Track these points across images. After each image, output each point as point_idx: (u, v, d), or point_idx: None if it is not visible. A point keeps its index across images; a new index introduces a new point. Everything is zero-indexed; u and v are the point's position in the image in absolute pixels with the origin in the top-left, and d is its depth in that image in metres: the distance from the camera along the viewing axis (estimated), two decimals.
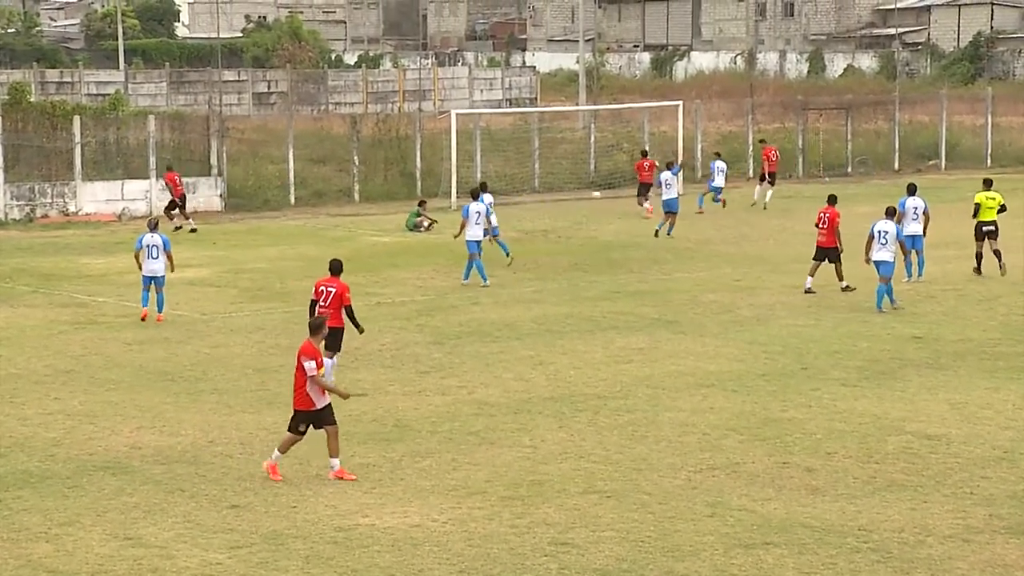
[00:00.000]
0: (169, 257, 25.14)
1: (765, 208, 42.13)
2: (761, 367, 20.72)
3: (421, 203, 39.09)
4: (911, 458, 15.96)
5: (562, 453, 16.35)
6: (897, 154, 53.75)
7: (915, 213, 27.17)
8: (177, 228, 37.10)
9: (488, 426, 17.59)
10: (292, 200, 44.09)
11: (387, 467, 15.85)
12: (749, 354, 21.60)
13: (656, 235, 35.48)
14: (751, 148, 51.15)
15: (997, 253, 28.10)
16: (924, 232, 27.52)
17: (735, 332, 23.35)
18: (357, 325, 19.53)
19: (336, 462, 15.40)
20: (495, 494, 14.78)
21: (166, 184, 39.15)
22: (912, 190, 27.84)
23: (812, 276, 26.79)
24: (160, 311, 24.96)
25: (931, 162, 54.14)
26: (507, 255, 30.37)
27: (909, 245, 26.97)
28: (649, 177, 41.11)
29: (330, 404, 15.39)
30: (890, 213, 25.63)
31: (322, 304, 19.22)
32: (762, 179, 43.91)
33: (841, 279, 26.61)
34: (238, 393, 19.52)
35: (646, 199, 40.86)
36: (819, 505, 14.33)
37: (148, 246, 25.07)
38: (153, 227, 25.54)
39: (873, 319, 24.26)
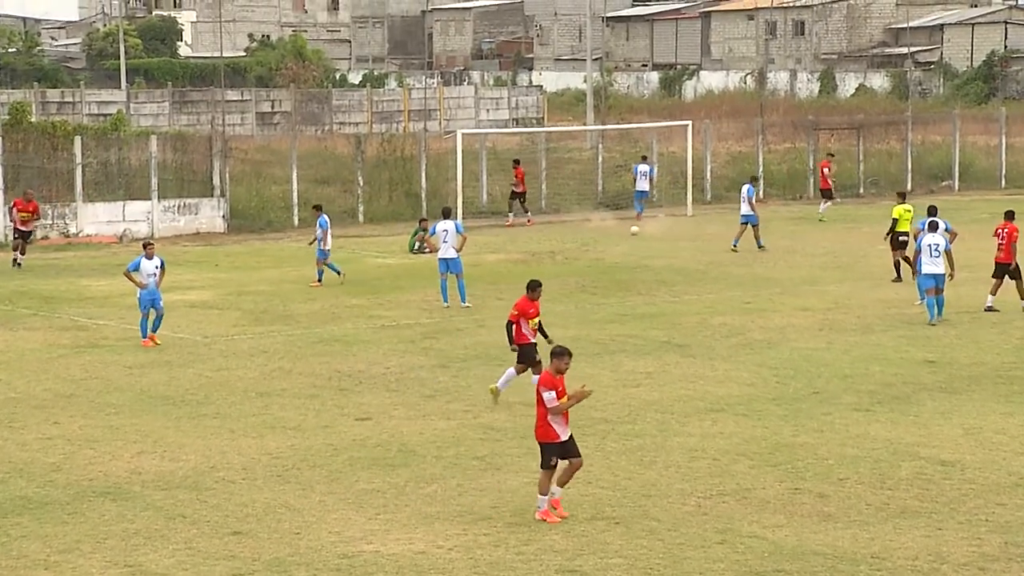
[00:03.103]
0: (127, 275, 25.48)
1: (821, 220, 43.18)
2: (772, 391, 20.69)
3: (422, 221, 39.20)
4: (925, 484, 15.91)
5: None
6: (910, 175, 53.74)
7: (935, 251, 25.93)
8: (16, 264, 35.50)
9: (494, 451, 17.56)
10: (296, 221, 44.11)
11: (392, 493, 15.82)
12: (760, 378, 21.57)
13: (739, 247, 36.50)
14: (761, 168, 51.22)
15: (907, 260, 29.86)
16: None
17: (745, 355, 23.32)
18: (546, 335, 20.06)
19: (559, 490, 14.95)
20: (501, 520, 14.75)
21: (30, 213, 36.43)
22: (932, 212, 27.76)
23: (994, 294, 26.89)
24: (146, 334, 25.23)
25: (944, 183, 54.14)
26: (339, 274, 32.00)
27: (931, 284, 25.96)
28: (523, 186, 44.91)
29: (572, 436, 15.08)
30: (934, 227, 26.31)
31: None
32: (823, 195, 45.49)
33: (1023, 297, 26.66)
34: (240, 418, 19.51)
35: (513, 210, 44.46)
36: (831, 532, 14.28)
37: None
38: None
39: (885, 343, 24.22)
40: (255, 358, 23.66)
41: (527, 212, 44.63)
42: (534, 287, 20.34)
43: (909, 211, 30.96)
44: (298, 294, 30.58)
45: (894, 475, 16.25)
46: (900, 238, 30.74)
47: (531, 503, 15.33)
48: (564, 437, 14.98)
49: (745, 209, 36.99)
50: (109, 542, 14.26)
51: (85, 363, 23.39)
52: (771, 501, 15.34)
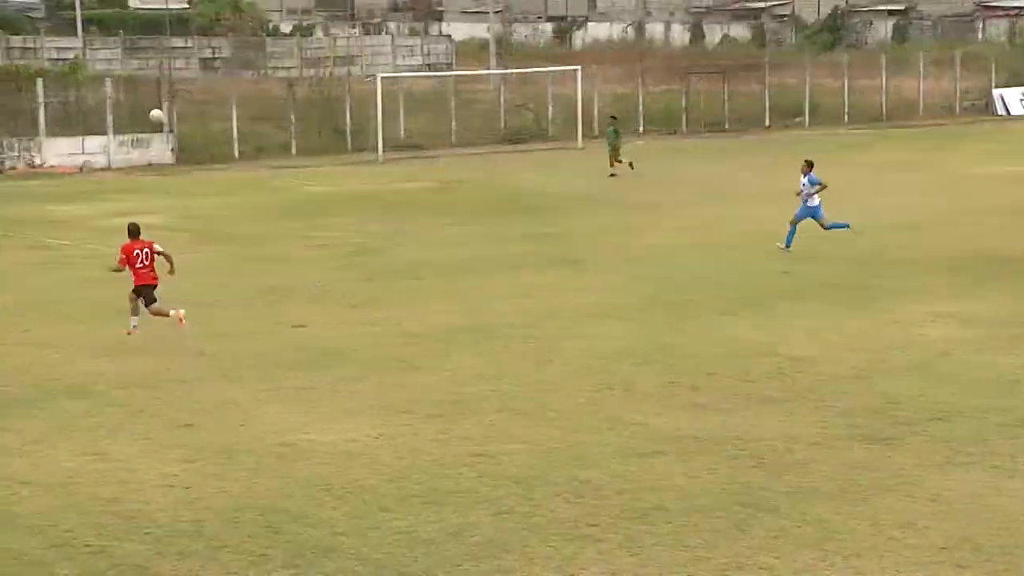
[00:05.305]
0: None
1: None
2: (651, 299, 20.80)
3: (612, 118, 39.56)
4: (781, 377, 16.10)
5: (478, 376, 16.32)
6: (767, 113, 54.11)
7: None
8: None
9: (412, 353, 17.51)
10: (236, 154, 43.57)
11: (324, 389, 15.75)
12: (642, 288, 21.67)
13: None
14: (641, 107, 51.29)
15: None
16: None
17: (629, 269, 23.41)
18: None
19: None
20: (420, 413, 14.74)
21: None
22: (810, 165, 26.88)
23: None
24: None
25: (797, 119, 54.59)
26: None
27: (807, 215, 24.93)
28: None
29: None
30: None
31: None
32: None
33: None
34: (190, 326, 19.23)
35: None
36: (702, 418, 14.44)
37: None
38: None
39: (746, 257, 24.41)
40: (202, 274, 23.33)
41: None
42: None
43: None
44: (240, 218, 30.19)
45: (755, 370, 16.43)
46: None
47: (446, 397, 15.30)
48: None
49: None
50: (76, 434, 14.06)
51: (50, 279, 22.95)
52: (651, 393, 15.46)
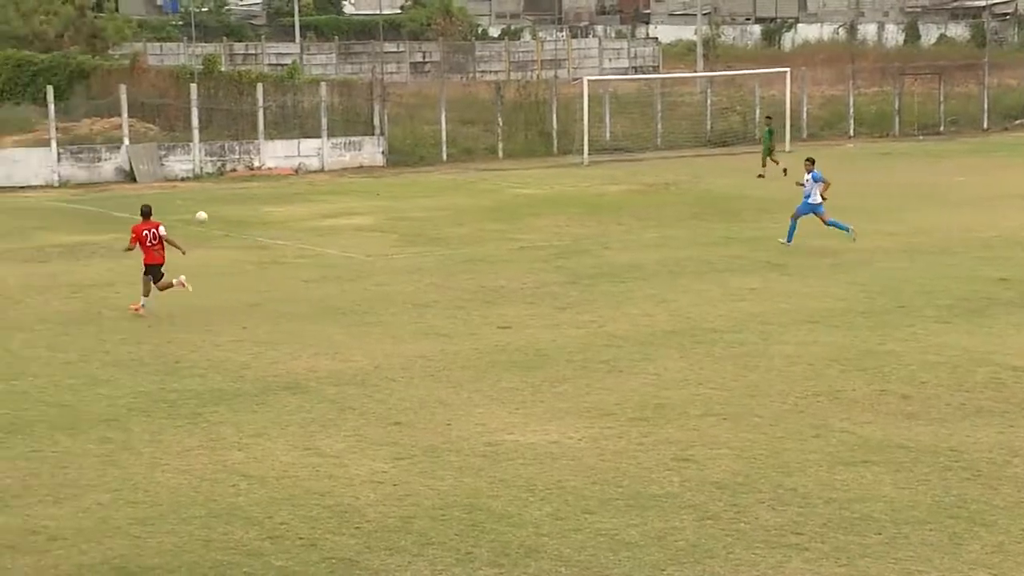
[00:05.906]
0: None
1: None
2: (861, 305, 20.35)
3: (768, 119, 40.27)
4: (998, 387, 15.57)
5: (683, 380, 16.24)
6: (986, 114, 52.24)
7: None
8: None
9: (617, 356, 17.52)
10: (444, 157, 44.29)
11: (529, 391, 15.89)
12: (850, 294, 21.22)
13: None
14: (851, 110, 50.17)
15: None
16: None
17: (838, 274, 22.95)
18: None
19: None
20: (624, 416, 14.75)
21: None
22: (811, 162, 26.16)
23: None
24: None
25: (1017, 121, 52.56)
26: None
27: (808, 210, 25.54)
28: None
29: None
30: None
31: None
32: None
33: None
34: (400, 326, 19.68)
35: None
36: (914, 428, 14.06)
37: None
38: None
39: (962, 263, 23.65)
40: (412, 274, 23.83)
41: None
42: None
43: None
44: (447, 219, 30.69)
45: (970, 379, 15.91)
46: None
47: (650, 401, 15.27)
48: None
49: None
50: (291, 429, 14.53)
51: (268, 277, 23.75)
52: (860, 401, 15.13)
